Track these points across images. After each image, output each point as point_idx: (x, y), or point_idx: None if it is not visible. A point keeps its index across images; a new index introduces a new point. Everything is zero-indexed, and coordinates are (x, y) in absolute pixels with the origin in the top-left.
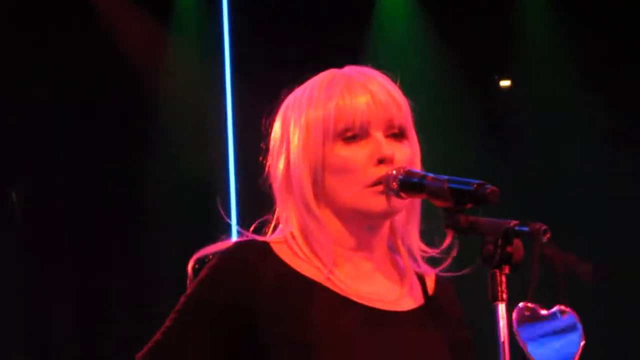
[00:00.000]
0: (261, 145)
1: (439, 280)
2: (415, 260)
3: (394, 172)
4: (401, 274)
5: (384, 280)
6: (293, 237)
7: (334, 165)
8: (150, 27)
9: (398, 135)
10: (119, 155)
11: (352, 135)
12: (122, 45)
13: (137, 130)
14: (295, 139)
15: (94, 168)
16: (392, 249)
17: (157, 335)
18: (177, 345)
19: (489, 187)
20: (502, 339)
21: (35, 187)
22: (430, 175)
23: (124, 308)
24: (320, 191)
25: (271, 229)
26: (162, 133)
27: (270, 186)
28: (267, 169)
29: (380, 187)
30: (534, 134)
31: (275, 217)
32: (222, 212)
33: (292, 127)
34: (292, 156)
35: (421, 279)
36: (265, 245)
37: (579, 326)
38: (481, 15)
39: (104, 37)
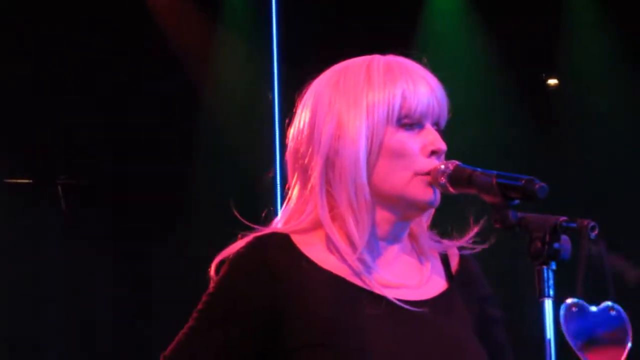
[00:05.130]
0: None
1: (463, 258)
2: (435, 240)
3: (442, 166)
4: (422, 258)
5: (407, 266)
6: (320, 223)
7: (392, 149)
8: (199, 21)
9: (438, 130)
10: (166, 150)
11: (409, 123)
12: (171, 39)
13: (184, 124)
14: (351, 120)
15: (141, 161)
16: (411, 234)
17: (180, 335)
18: (200, 345)
19: (538, 183)
20: (548, 336)
21: (81, 180)
22: (479, 170)
23: (165, 302)
24: (369, 175)
25: (283, 216)
26: (209, 128)
27: (293, 167)
28: (294, 149)
29: (427, 177)
30: (581, 133)
31: (295, 198)
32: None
33: (344, 107)
34: (347, 136)
35: (444, 259)
36: (285, 237)
37: (628, 323)
38: (529, 13)
39: (153, 31)
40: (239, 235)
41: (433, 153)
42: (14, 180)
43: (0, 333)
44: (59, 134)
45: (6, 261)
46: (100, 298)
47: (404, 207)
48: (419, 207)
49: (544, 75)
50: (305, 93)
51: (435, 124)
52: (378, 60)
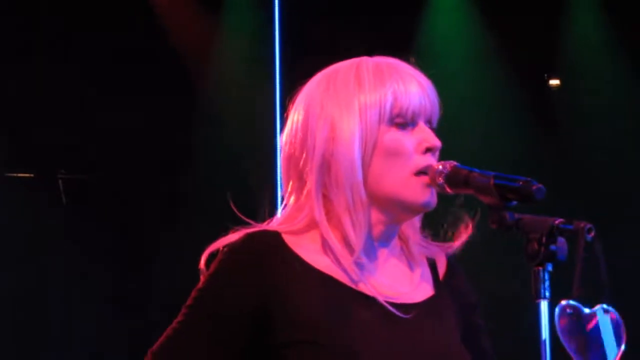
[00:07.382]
0: None
1: (450, 264)
2: (424, 245)
3: (440, 167)
4: (411, 261)
5: (396, 269)
6: (315, 224)
7: (386, 148)
8: (201, 16)
9: (431, 129)
10: (166, 147)
11: (402, 122)
12: (174, 34)
13: (183, 123)
14: (344, 122)
15: (140, 159)
16: (401, 236)
17: (168, 331)
18: (188, 340)
19: (535, 185)
20: (543, 337)
21: (81, 175)
22: (477, 171)
23: (164, 295)
24: (365, 176)
25: (280, 215)
26: (210, 123)
27: (288, 172)
28: (288, 155)
29: (425, 179)
30: (583, 133)
31: (292, 203)
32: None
33: (336, 110)
34: (341, 138)
35: (432, 264)
36: (277, 236)
37: (621, 325)
38: (531, 13)
39: (154, 30)
40: (231, 230)
41: (428, 150)
42: (15, 174)
43: (3, 331)
44: (60, 129)
45: (6, 254)
46: (100, 293)
47: (398, 210)
48: (414, 209)
49: (546, 75)
50: (295, 98)
51: (428, 122)
52: (367, 62)
